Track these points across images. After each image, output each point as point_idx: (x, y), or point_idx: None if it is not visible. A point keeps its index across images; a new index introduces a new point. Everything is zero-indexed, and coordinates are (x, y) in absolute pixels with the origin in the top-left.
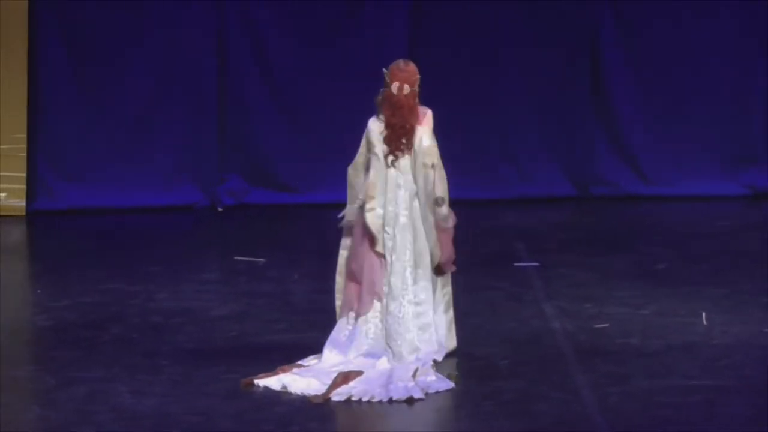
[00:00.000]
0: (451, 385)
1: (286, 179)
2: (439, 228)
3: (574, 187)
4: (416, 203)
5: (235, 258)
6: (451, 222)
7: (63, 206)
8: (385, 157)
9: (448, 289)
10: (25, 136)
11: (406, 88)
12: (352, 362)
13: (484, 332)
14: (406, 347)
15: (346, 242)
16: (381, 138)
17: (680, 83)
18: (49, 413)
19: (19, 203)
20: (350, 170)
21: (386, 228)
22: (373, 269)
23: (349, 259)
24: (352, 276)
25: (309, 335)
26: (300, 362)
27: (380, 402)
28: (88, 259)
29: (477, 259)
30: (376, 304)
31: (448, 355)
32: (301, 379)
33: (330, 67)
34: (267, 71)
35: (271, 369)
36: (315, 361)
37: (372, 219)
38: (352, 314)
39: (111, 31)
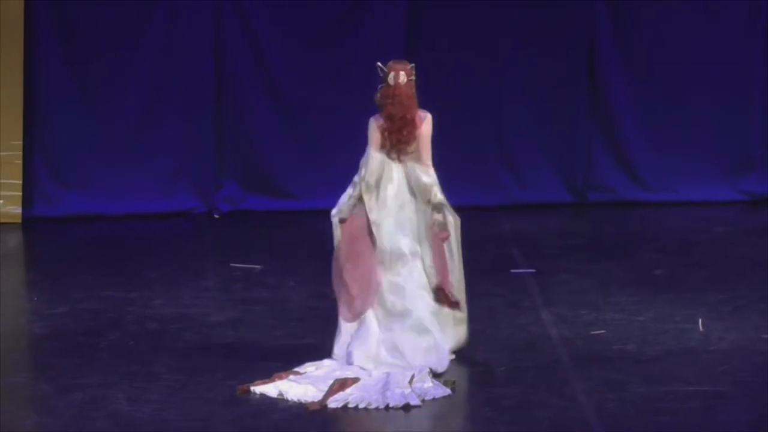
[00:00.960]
0: (448, 391)
1: (283, 186)
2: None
3: (572, 194)
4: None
5: (232, 265)
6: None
7: (60, 213)
8: (388, 153)
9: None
10: (21, 142)
11: (403, 77)
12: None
13: (481, 339)
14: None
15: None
16: (381, 133)
17: (678, 89)
18: (47, 420)
19: (16, 210)
20: (362, 186)
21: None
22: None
23: (345, 260)
24: (350, 276)
25: (306, 342)
26: (297, 369)
27: (377, 409)
28: (85, 266)
29: (474, 265)
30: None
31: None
32: (298, 386)
33: (328, 73)
34: (265, 77)
35: (267, 376)
36: (312, 368)
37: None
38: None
39: (108, 37)
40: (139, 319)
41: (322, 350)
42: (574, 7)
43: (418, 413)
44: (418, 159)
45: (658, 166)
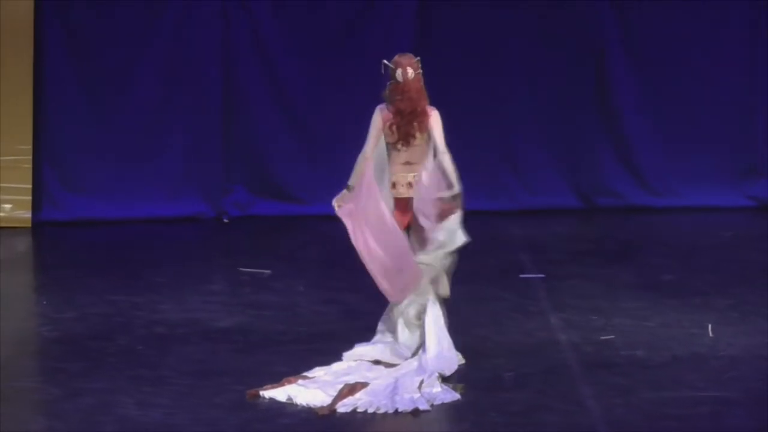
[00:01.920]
0: (457, 396)
1: (291, 190)
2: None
3: (579, 199)
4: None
5: (240, 269)
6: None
7: (68, 217)
8: (394, 144)
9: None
10: (30, 147)
11: (410, 72)
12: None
13: (489, 344)
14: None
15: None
16: (387, 126)
17: (686, 94)
18: (55, 425)
19: (25, 214)
20: (360, 158)
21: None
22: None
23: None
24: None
25: (314, 346)
26: (306, 374)
27: (386, 413)
28: (94, 271)
29: (482, 270)
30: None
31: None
32: (307, 391)
33: (336, 78)
34: (273, 81)
35: (276, 380)
36: (321, 372)
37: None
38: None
39: (117, 42)
40: (147, 323)
41: (331, 355)
42: (582, 12)
43: (427, 418)
44: (425, 152)
45: (666, 171)
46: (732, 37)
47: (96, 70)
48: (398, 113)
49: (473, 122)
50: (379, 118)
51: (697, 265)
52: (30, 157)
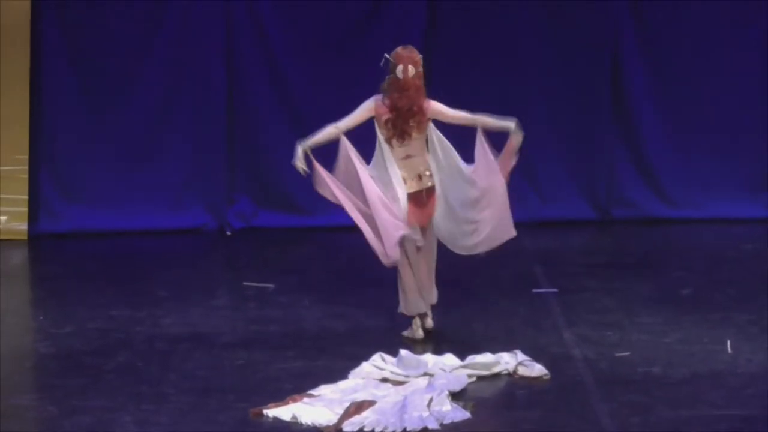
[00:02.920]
0: (467, 415)
1: (297, 201)
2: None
3: (595, 210)
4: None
5: (244, 283)
6: None
7: (66, 229)
8: (388, 140)
9: None
10: (27, 156)
11: (411, 70)
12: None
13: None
14: None
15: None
16: (383, 121)
17: (705, 102)
18: None
19: (21, 226)
20: (330, 127)
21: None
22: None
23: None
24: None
25: (320, 363)
26: (311, 391)
27: None
28: (93, 284)
29: (495, 283)
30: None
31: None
32: (313, 409)
33: (343, 85)
34: (278, 89)
35: (281, 398)
36: (327, 390)
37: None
38: None
39: (116, 49)
40: (147, 338)
41: (337, 372)
42: (596, 18)
43: None
44: (423, 144)
45: (684, 181)
46: (754, 44)
47: (95, 77)
48: (394, 109)
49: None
50: (371, 107)
51: (716, 279)
52: (26, 167)
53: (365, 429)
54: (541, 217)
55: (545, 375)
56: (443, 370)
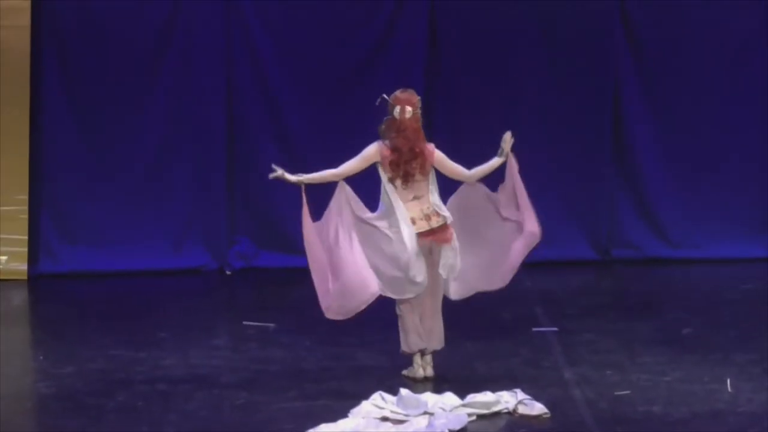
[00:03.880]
0: None
1: (298, 241)
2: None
3: (595, 250)
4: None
5: (245, 323)
6: None
7: (66, 269)
8: (392, 181)
9: None
10: (26, 197)
11: (409, 111)
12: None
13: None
14: None
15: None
16: (387, 163)
17: (705, 142)
18: None
19: (21, 267)
20: (329, 173)
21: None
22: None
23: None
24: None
25: (320, 403)
26: (311, 431)
27: None
28: (93, 325)
29: (495, 323)
30: None
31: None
32: None
33: (344, 124)
34: (279, 130)
35: None
36: (328, 430)
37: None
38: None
39: (117, 89)
40: (148, 379)
41: (337, 411)
42: (597, 58)
43: None
44: (426, 185)
45: (684, 221)
46: (755, 83)
47: (95, 117)
48: (396, 151)
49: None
50: (375, 151)
51: (717, 319)
52: (26, 207)
53: None
54: (540, 258)
55: (545, 414)
56: (443, 409)
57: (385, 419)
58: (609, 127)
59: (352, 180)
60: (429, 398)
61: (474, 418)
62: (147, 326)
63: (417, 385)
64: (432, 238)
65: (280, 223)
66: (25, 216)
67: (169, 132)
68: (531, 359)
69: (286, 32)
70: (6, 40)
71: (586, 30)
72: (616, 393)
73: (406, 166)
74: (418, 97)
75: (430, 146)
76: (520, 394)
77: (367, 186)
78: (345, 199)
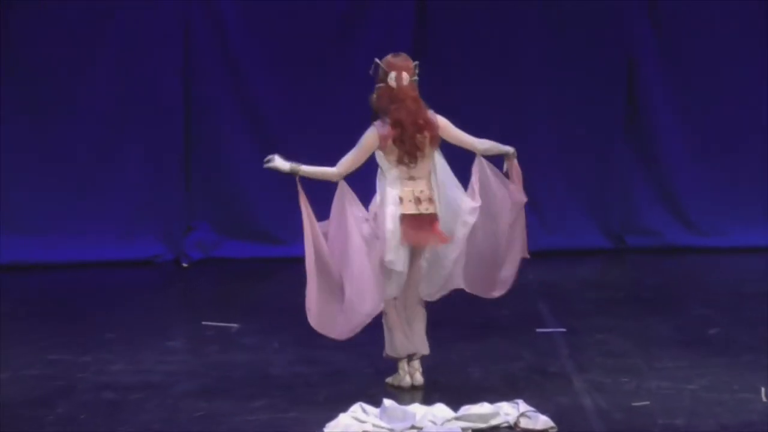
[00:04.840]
0: None
1: (267, 229)
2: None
3: (607, 238)
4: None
5: (204, 323)
6: None
7: (4, 261)
8: (398, 161)
9: None
10: None
11: (406, 77)
12: None
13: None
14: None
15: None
16: (390, 142)
17: (729, 117)
18: None
19: None
20: (328, 170)
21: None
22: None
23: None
24: None
25: (291, 415)
26: None
27: None
28: (32, 324)
29: (494, 323)
30: None
31: None
32: None
33: (318, 96)
34: (244, 101)
35: None
36: None
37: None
38: None
39: (61, 59)
40: (93, 387)
41: (310, 425)
42: (611, 24)
43: None
44: (428, 165)
45: (709, 205)
46: None
47: (32, 92)
48: (398, 125)
49: None
50: (373, 136)
51: (745, 316)
52: None
53: None
54: (545, 247)
55: (551, 428)
56: (433, 422)
57: None
58: (623, 100)
59: (352, 179)
60: (417, 410)
61: None
62: (92, 326)
63: (403, 394)
64: (414, 232)
65: (244, 207)
66: None
67: (117, 108)
68: (534, 364)
69: None
70: None
71: None
72: (632, 403)
73: (411, 140)
74: (415, 62)
75: (431, 113)
76: (522, 405)
77: (367, 186)
78: (342, 203)
